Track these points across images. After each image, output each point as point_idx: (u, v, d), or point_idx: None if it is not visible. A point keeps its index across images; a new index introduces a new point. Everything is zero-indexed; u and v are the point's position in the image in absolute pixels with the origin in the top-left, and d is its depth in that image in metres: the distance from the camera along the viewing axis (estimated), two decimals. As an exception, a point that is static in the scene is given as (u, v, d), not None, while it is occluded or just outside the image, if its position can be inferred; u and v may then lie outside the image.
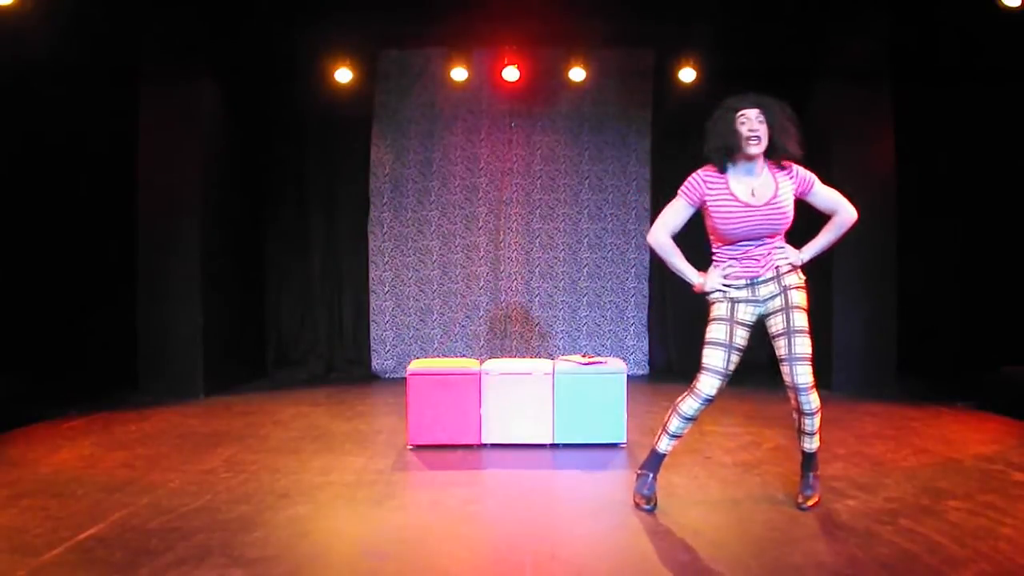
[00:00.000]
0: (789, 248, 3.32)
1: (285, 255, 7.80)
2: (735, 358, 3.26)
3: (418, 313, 7.69)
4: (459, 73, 7.13)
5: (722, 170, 3.27)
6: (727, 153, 3.23)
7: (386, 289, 7.69)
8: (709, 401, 3.25)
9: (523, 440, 4.53)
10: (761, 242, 3.26)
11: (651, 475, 3.36)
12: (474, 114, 7.62)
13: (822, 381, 6.39)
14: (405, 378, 4.63)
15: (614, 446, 4.49)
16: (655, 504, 3.30)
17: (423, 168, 7.66)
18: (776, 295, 3.26)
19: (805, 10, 6.51)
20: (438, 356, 7.45)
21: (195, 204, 6.31)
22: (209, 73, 6.47)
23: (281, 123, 7.62)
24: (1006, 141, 6.58)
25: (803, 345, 3.21)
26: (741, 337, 3.27)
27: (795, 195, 3.25)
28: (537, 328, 7.72)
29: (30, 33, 5.22)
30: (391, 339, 7.68)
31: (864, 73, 6.39)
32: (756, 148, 3.17)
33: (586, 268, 7.72)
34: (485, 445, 4.54)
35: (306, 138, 7.70)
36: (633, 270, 7.70)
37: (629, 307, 7.72)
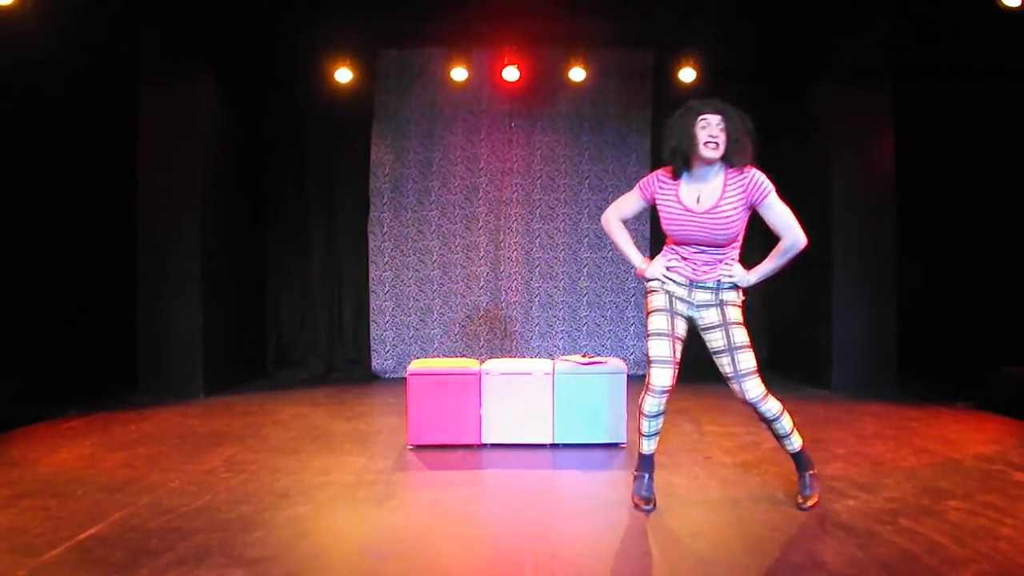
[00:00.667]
0: (738, 267, 3.32)
1: (285, 255, 7.80)
2: (679, 347, 3.31)
3: (418, 313, 7.69)
4: (459, 73, 7.13)
5: (676, 174, 3.26)
6: (681, 156, 3.21)
7: (386, 289, 7.69)
8: (666, 392, 3.28)
9: (523, 440, 4.53)
10: (706, 250, 3.27)
11: (646, 476, 3.37)
12: (474, 114, 7.62)
13: (822, 381, 6.50)
14: (405, 378, 4.63)
15: (614, 446, 4.49)
16: (654, 504, 3.30)
17: (423, 168, 7.66)
18: (711, 306, 3.29)
19: (805, 10, 6.51)
20: (438, 356, 7.46)
21: (195, 204, 6.31)
22: (209, 73, 6.47)
23: (281, 123, 7.63)
24: (1006, 141, 6.58)
25: (747, 360, 3.24)
26: (681, 328, 3.32)
27: (746, 203, 3.20)
28: (537, 328, 7.72)
29: (30, 33, 5.22)
30: (391, 339, 7.68)
31: (864, 73, 6.39)
32: (713, 153, 3.15)
33: (586, 268, 7.72)
34: (485, 445, 4.54)
35: (306, 138, 7.70)
36: (633, 270, 7.69)
37: (629, 307, 7.72)
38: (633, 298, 7.70)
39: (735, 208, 3.19)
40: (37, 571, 2.62)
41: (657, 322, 3.31)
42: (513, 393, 4.55)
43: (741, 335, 3.26)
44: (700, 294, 3.29)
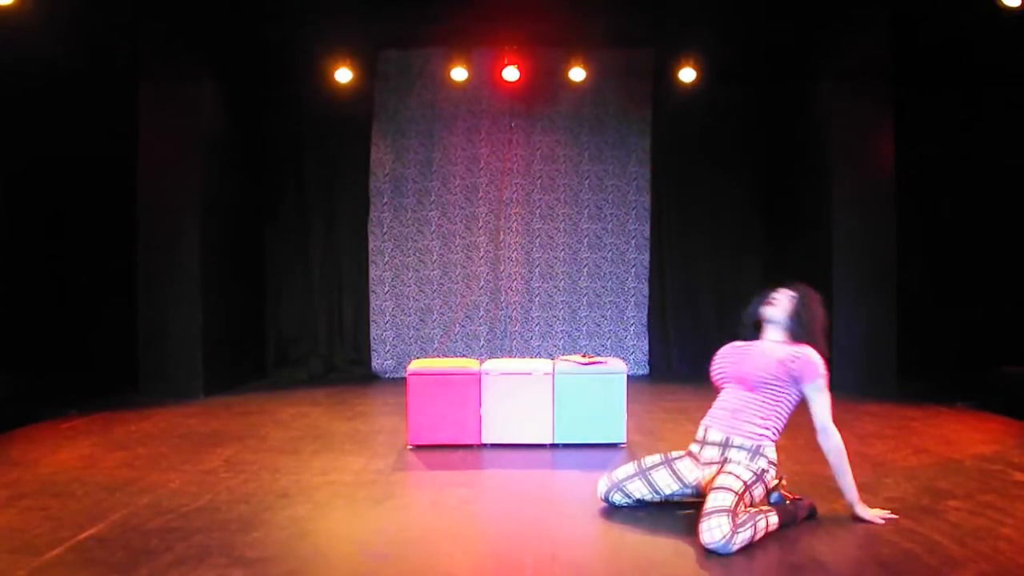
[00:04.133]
0: (769, 450, 3.07)
1: (285, 255, 7.81)
2: (640, 485, 3.24)
3: (418, 313, 7.69)
4: (459, 73, 7.14)
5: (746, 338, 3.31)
6: (751, 324, 3.28)
7: (386, 289, 7.69)
8: (615, 490, 3.28)
9: (523, 440, 4.53)
10: (731, 395, 3.18)
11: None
12: (474, 114, 7.63)
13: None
14: (405, 378, 4.63)
15: (614, 446, 4.49)
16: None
17: (423, 168, 7.66)
18: (714, 463, 3.11)
19: (805, 10, 6.51)
20: (438, 356, 7.46)
21: (195, 204, 6.32)
22: (209, 73, 6.47)
23: (281, 123, 7.63)
24: (1006, 141, 6.59)
25: (711, 499, 2.88)
26: (664, 478, 3.22)
27: (790, 375, 3.07)
28: (537, 328, 7.72)
29: (30, 33, 5.22)
30: (391, 339, 7.68)
31: (864, 73, 6.40)
32: (770, 311, 3.21)
33: (586, 268, 7.72)
34: (485, 445, 4.54)
35: (306, 138, 7.71)
36: (633, 270, 7.70)
37: (629, 307, 7.72)
38: (633, 298, 7.71)
39: (775, 365, 3.09)
40: (37, 571, 2.62)
41: (649, 457, 3.34)
42: (513, 393, 4.55)
43: (723, 479, 2.95)
44: (707, 451, 3.16)
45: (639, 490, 3.24)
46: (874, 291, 6.43)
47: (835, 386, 6.28)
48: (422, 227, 7.68)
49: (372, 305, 7.69)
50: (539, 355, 7.50)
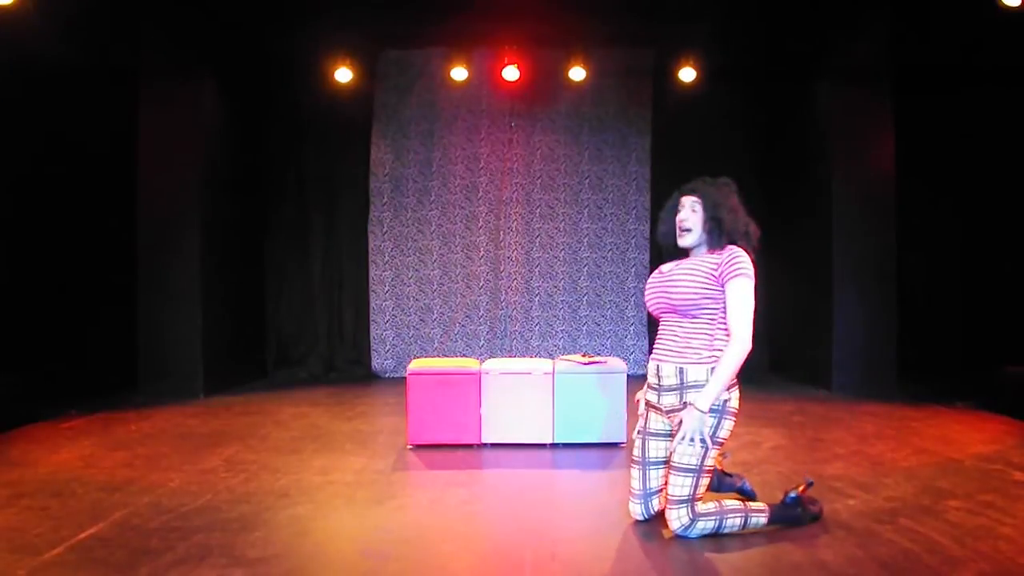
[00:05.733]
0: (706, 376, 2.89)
1: (285, 255, 7.81)
2: (655, 473, 3.07)
3: (418, 313, 7.69)
4: (459, 73, 7.14)
5: (672, 257, 3.11)
6: (671, 246, 3.09)
7: (386, 289, 7.70)
8: (643, 520, 3.12)
9: (523, 440, 4.53)
10: (668, 323, 3.01)
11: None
12: (474, 114, 7.63)
13: (822, 381, 6.50)
14: (405, 378, 4.63)
15: (614, 446, 4.49)
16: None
17: (423, 168, 7.66)
18: (676, 411, 2.97)
19: (805, 11, 6.51)
20: (438, 356, 7.46)
21: (195, 204, 6.32)
22: (209, 73, 6.47)
23: (281, 123, 7.63)
24: (1006, 141, 6.59)
25: (672, 483, 2.88)
26: (657, 449, 3.06)
27: (714, 277, 2.89)
28: (537, 328, 7.72)
29: (30, 33, 5.22)
30: (391, 339, 7.68)
31: (864, 73, 6.40)
32: (684, 241, 3.01)
33: (586, 268, 7.73)
34: (485, 445, 4.54)
35: (306, 138, 7.71)
36: (633, 270, 7.71)
37: (629, 307, 7.72)
38: (633, 297, 7.71)
39: (701, 277, 2.91)
40: (37, 571, 2.62)
41: (634, 449, 3.15)
42: (513, 393, 4.55)
43: (680, 454, 2.86)
44: (666, 397, 2.99)
45: (657, 479, 3.09)
46: (874, 291, 6.43)
47: (835, 386, 6.37)
48: (422, 227, 7.69)
49: (372, 305, 7.69)
50: (539, 355, 7.50)
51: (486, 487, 3.90)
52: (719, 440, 2.92)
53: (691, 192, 3.04)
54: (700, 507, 2.91)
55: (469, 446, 4.51)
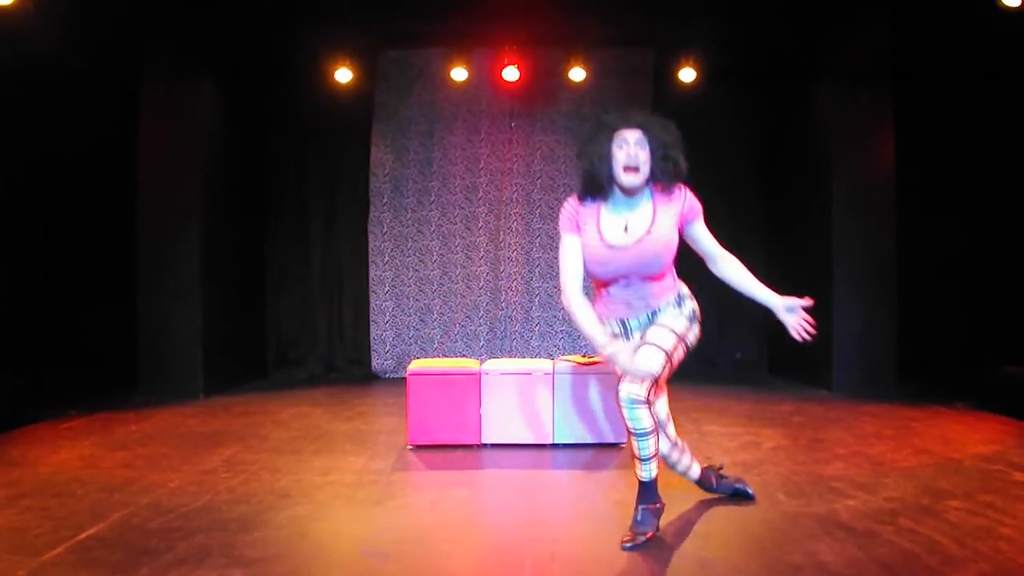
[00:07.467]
0: (686, 293, 2.97)
1: (285, 255, 7.81)
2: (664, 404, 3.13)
3: (418, 313, 7.69)
4: (459, 73, 7.14)
5: (594, 201, 2.87)
6: (598, 183, 2.81)
7: (386, 289, 7.69)
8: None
9: (523, 440, 4.53)
10: (638, 283, 2.87)
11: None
12: (474, 114, 7.62)
13: (822, 381, 6.50)
14: (405, 378, 4.63)
15: (614, 446, 4.49)
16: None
17: (423, 168, 7.66)
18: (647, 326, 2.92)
19: (805, 10, 6.51)
20: (438, 356, 7.45)
21: (195, 204, 6.32)
22: (209, 73, 6.47)
23: (281, 123, 7.63)
24: (1006, 141, 6.58)
25: (645, 360, 2.74)
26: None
27: (679, 224, 2.85)
28: (537, 328, 7.72)
29: (30, 33, 5.22)
30: (391, 339, 7.68)
31: (864, 73, 6.40)
32: (633, 179, 2.77)
33: (586, 268, 7.71)
34: (485, 445, 4.54)
35: (306, 138, 7.71)
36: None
37: (629, 307, 7.71)
38: (633, 298, 7.70)
39: (671, 231, 2.83)
40: (37, 571, 2.62)
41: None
42: (513, 393, 4.55)
43: (656, 334, 2.82)
44: (638, 332, 2.96)
45: (663, 407, 3.12)
46: (874, 291, 6.43)
47: (835, 386, 6.36)
48: (422, 227, 7.68)
49: (372, 305, 7.68)
50: (539, 355, 7.49)
51: (486, 487, 3.90)
52: (691, 344, 2.95)
53: (636, 126, 2.79)
54: (655, 409, 2.86)
55: (469, 446, 4.51)
